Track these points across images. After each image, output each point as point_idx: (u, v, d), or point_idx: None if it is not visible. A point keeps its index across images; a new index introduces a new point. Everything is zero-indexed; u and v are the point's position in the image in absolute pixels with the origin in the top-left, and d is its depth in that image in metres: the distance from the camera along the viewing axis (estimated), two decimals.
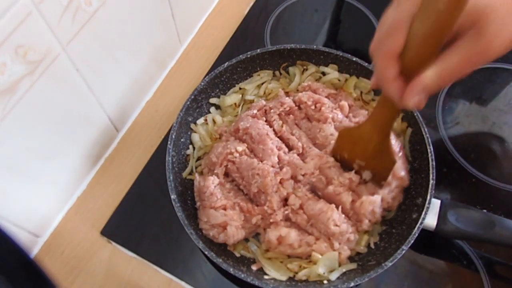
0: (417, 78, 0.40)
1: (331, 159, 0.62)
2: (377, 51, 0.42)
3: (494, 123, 0.74)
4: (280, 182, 0.61)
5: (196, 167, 0.67)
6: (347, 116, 0.68)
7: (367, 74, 0.70)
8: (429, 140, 0.63)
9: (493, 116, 0.75)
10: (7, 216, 0.55)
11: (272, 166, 0.61)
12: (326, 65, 0.73)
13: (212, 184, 0.61)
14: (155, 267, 0.62)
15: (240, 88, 0.73)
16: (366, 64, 0.69)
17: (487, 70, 0.79)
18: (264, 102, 0.69)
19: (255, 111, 0.68)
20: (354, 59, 0.70)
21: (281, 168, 0.62)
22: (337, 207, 0.58)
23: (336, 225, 0.57)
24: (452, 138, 0.72)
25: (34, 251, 0.63)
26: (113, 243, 0.64)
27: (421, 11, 0.38)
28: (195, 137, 0.68)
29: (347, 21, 0.86)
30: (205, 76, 0.70)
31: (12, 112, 0.49)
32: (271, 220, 0.59)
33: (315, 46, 0.71)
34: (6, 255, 0.29)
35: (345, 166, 0.61)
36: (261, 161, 0.62)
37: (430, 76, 0.40)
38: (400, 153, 0.62)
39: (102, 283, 0.61)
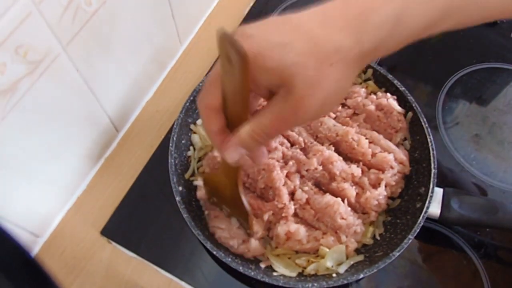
0: (233, 133, 0.40)
1: (334, 154, 0.62)
2: (199, 104, 0.42)
3: (494, 123, 0.74)
4: (287, 176, 0.61)
5: (197, 168, 0.67)
6: (342, 104, 0.69)
7: None
8: (429, 130, 0.63)
9: (493, 116, 0.75)
10: (7, 216, 0.55)
11: (277, 161, 0.62)
12: None
13: None
14: (155, 267, 0.62)
15: None
16: None
17: (487, 70, 0.79)
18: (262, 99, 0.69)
19: None
20: None
21: (286, 163, 0.62)
22: (342, 200, 0.59)
23: (343, 218, 0.58)
24: (452, 138, 0.72)
25: (34, 251, 0.63)
26: (113, 243, 0.64)
27: (222, 70, 0.38)
28: (195, 138, 0.68)
29: None
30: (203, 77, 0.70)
31: (12, 112, 0.49)
32: (283, 215, 0.59)
33: None
34: (7, 253, 0.29)
35: (220, 208, 0.61)
36: (268, 152, 0.62)
37: (245, 133, 0.39)
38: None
39: (102, 283, 0.61)
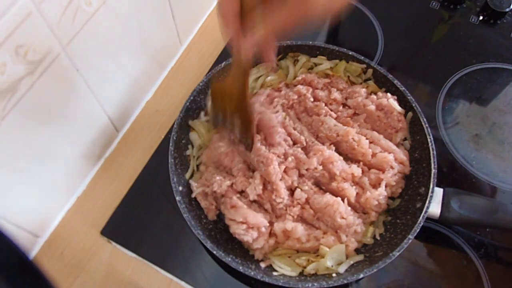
0: (250, 32, 0.45)
1: (334, 154, 0.62)
2: (220, 9, 0.46)
3: (494, 123, 0.74)
4: (285, 171, 0.61)
5: (197, 166, 0.67)
6: (343, 104, 0.69)
7: (355, 60, 0.71)
8: (429, 130, 0.64)
9: (493, 116, 0.75)
10: (7, 216, 0.55)
11: (278, 156, 0.62)
12: (315, 56, 0.73)
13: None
14: (155, 267, 0.62)
15: None
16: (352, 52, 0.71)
17: (487, 70, 0.79)
18: (269, 91, 0.70)
19: (262, 98, 0.68)
20: (350, 53, 0.71)
21: (285, 159, 0.62)
22: (342, 200, 0.59)
23: (343, 218, 0.58)
24: (452, 138, 0.72)
25: (34, 251, 0.63)
26: (113, 243, 0.64)
27: None
28: (194, 136, 0.68)
29: (347, 21, 0.86)
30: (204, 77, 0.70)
31: (12, 112, 0.49)
32: (287, 216, 0.59)
33: (310, 42, 0.72)
34: (4, 255, 0.29)
35: (226, 123, 0.62)
36: (272, 146, 0.63)
37: (259, 27, 0.44)
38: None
39: (102, 283, 0.61)
